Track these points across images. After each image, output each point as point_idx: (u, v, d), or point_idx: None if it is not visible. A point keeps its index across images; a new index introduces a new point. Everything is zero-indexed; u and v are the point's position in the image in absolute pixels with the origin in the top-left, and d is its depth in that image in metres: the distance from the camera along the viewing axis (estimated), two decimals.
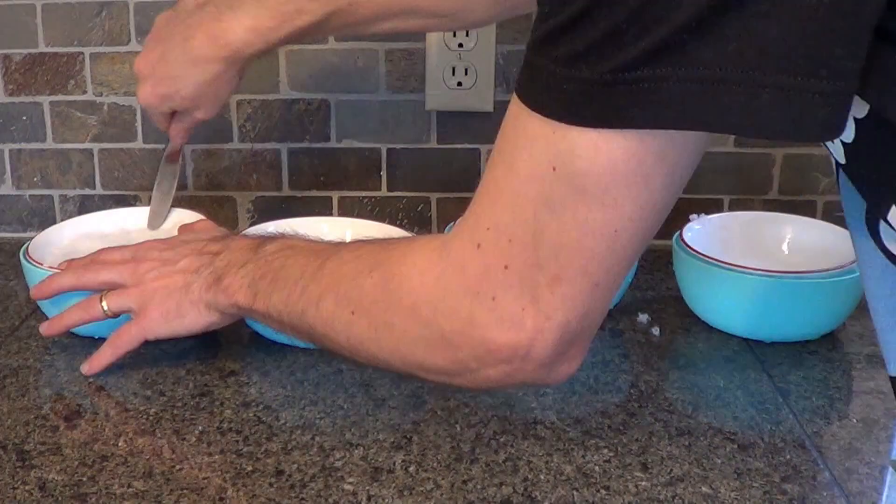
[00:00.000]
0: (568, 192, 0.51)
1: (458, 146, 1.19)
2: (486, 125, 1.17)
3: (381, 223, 1.06)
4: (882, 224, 0.52)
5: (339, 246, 0.72)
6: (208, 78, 0.89)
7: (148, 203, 1.07)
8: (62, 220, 1.10)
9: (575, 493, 0.71)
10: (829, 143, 0.52)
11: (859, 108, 0.47)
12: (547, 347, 0.57)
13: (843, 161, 0.52)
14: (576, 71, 0.48)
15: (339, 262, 0.69)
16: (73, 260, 0.91)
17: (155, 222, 1.05)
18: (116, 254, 0.88)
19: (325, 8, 0.85)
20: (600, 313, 0.58)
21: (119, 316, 0.86)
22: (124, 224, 1.06)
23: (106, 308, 0.85)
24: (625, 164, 0.49)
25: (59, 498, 0.70)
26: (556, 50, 0.48)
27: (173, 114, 0.96)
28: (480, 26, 1.07)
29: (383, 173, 1.20)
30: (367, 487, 0.71)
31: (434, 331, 0.60)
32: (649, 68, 0.46)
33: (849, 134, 0.49)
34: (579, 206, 0.52)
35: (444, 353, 0.60)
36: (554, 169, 0.51)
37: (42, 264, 0.92)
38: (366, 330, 0.65)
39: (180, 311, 0.83)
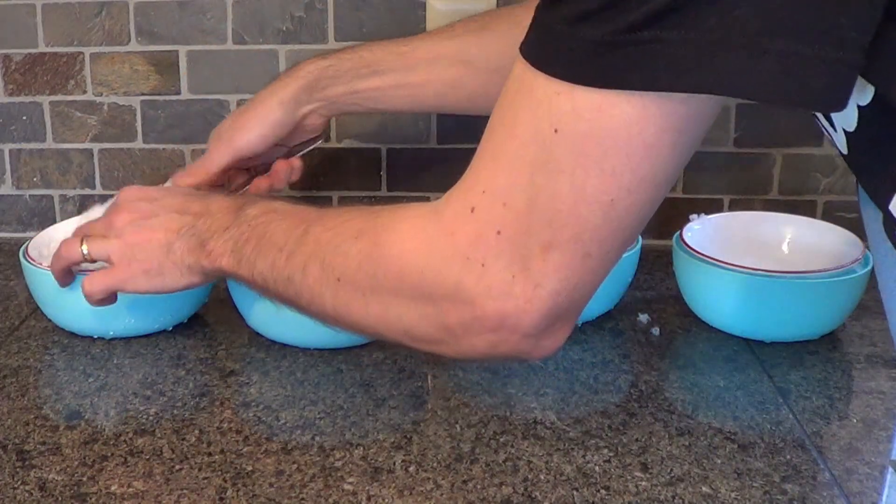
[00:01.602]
0: (568, 155, 0.51)
1: (458, 146, 1.19)
2: (486, 125, 1.17)
3: None
4: None
5: (323, 211, 0.71)
6: (275, 101, 0.93)
7: None
8: (62, 220, 1.10)
9: (575, 493, 0.71)
10: (833, 134, 0.52)
11: (862, 95, 0.47)
12: (535, 317, 0.56)
13: (845, 151, 0.52)
14: (582, 30, 0.48)
15: (323, 228, 0.68)
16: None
17: None
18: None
19: (375, 55, 0.93)
20: (590, 288, 0.57)
21: (95, 262, 0.83)
22: None
23: (86, 252, 0.83)
24: (626, 129, 0.49)
25: (59, 498, 0.70)
26: (564, 9, 0.49)
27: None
28: None
29: (383, 173, 1.20)
30: (367, 487, 0.71)
31: (422, 296, 0.59)
32: (653, 30, 0.46)
33: (851, 122, 0.49)
34: (577, 170, 0.51)
35: (431, 319, 0.59)
36: (556, 131, 0.51)
37: (42, 264, 0.92)
38: (352, 296, 0.64)
39: (161, 271, 0.81)
